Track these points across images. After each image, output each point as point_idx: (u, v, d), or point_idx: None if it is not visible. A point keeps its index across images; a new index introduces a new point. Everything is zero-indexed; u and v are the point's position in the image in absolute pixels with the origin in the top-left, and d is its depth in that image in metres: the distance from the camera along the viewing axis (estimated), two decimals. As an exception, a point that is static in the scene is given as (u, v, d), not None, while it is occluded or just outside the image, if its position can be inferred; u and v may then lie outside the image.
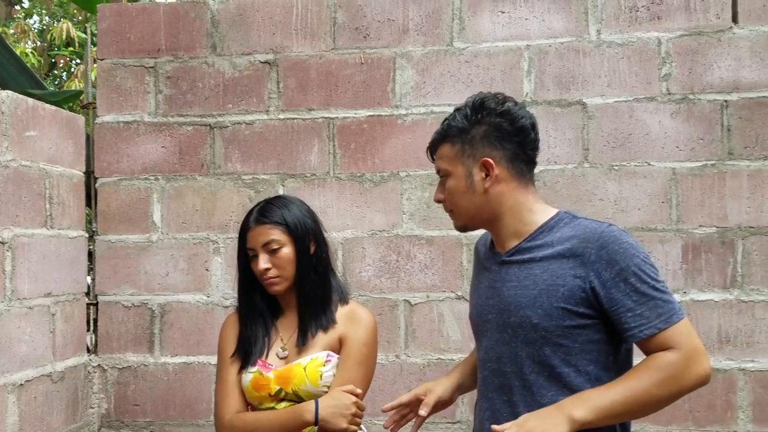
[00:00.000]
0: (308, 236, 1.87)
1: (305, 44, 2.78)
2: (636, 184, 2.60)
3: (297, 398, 1.82)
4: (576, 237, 1.49)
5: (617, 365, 1.51)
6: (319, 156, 2.74)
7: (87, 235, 2.81)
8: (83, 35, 12.45)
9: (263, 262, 1.83)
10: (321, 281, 1.88)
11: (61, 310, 2.57)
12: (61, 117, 2.66)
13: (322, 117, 2.75)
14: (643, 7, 2.63)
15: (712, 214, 2.56)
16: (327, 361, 1.82)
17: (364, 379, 1.84)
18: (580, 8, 2.66)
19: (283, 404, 1.82)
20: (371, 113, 2.73)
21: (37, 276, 2.42)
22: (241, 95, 2.80)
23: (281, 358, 1.86)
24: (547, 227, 1.55)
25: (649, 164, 2.60)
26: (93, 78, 3.30)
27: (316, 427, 1.77)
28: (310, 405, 1.77)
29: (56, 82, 13.30)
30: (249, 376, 1.84)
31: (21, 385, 2.31)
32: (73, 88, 11.16)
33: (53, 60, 13.18)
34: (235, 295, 2.65)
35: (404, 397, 1.76)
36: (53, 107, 2.66)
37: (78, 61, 13.14)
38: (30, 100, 2.47)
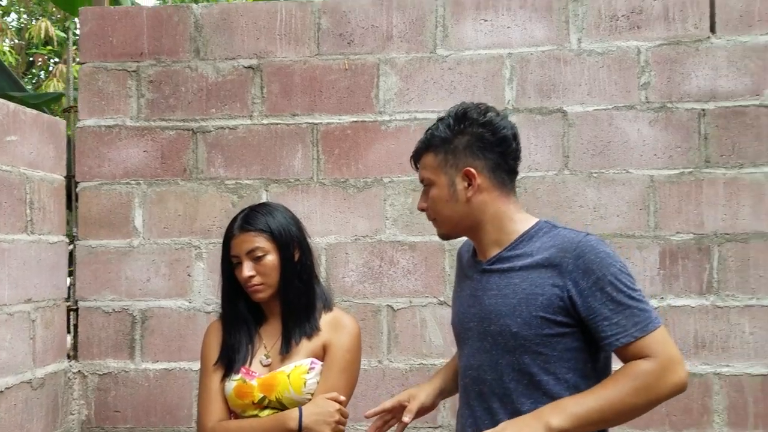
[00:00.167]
0: (292, 243, 1.88)
1: (289, 50, 2.79)
2: (615, 191, 2.64)
3: (280, 406, 1.82)
4: (554, 247, 1.52)
5: (596, 373, 1.53)
6: (303, 161, 2.75)
7: (68, 241, 2.79)
8: (62, 34, 12.32)
9: (247, 269, 1.84)
10: (305, 288, 1.89)
11: (42, 316, 2.56)
12: (42, 121, 2.64)
13: (305, 122, 2.76)
14: (623, 16, 2.67)
15: (689, 221, 2.60)
16: (311, 369, 1.83)
17: (347, 386, 1.85)
18: (561, 17, 2.69)
19: (267, 412, 1.83)
20: (355, 119, 2.74)
21: (17, 282, 2.41)
22: (224, 100, 2.79)
23: (265, 366, 1.87)
24: (527, 236, 1.58)
25: (627, 172, 2.64)
26: (70, 74, 3.28)
27: (300, 435, 1.78)
28: (293, 413, 1.78)
29: (34, 81, 13.14)
30: (232, 383, 1.85)
31: (1, 392, 2.30)
32: (51, 88, 11.04)
33: (31, 59, 13.02)
34: (218, 301, 2.66)
35: (387, 403, 1.77)
36: (34, 111, 2.64)
37: (56, 59, 13.00)
38: (11, 105, 2.45)
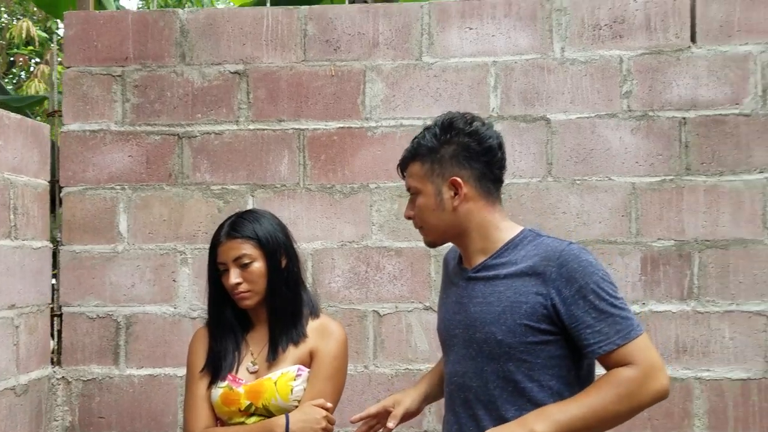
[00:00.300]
0: (279, 251, 1.88)
1: (275, 55, 2.80)
2: (597, 198, 2.67)
3: (267, 413, 1.83)
4: (538, 255, 1.54)
5: (579, 380, 1.56)
6: (289, 167, 2.76)
7: (51, 246, 2.77)
8: (43, 34, 12.21)
9: (234, 276, 1.84)
10: (292, 295, 1.90)
11: (25, 322, 2.54)
12: (26, 126, 2.62)
13: (292, 128, 2.77)
14: (605, 26, 2.71)
15: (670, 228, 2.64)
16: (298, 376, 1.84)
17: (334, 393, 1.87)
18: (544, 26, 2.72)
19: (253, 419, 1.83)
20: (341, 125, 2.76)
21: (0, 288, 2.39)
22: (210, 105, 2.79)
23: (251, 373, 1.87)
24: (511, 245, 1.60)
25: (610, 179, 2.68)
26: (54, 78, 3.25)
27: (287, 442, 1.78)
28: (280, 420, 1.79)
29: (15, 81, 13.00)
30: (219, 390, 1.85)
31: (-16, 399, 2.28)
32: (33, 89, 10.93)
33: (12, 59, 12.89)
34: (203, 307, 2.66)
35: (372, 409, 1.79)
36: (18, 116, 2.62)
37: (38, 60, 12.87)
38: (-6, 110, 2.44)
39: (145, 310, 2.75)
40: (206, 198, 2.77)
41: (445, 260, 1.82)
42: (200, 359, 1.91)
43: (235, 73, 2.80)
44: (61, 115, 2.86)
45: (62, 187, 2.80)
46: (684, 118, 2.67)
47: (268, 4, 2.99)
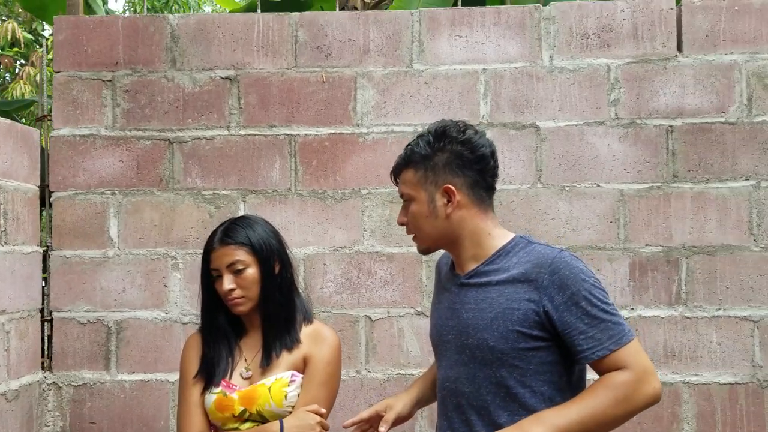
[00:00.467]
0: (273, 257, 1.89)
1: (266, 61, 2.81)
2: (586, 205, 2.70)
3: (261, 419, 1.83)
4: (530, 262, 1.56)
5: (571, 386, 1.58)
6: (281, 172, 2.77)
7: (42, 251, 2.76)
8: (29, 36, 12.12)
9: (228, 282, 1.85)
10: (285, 301, 1.90)
11: (16, 327, 2.53)
12: (16, 131, 2.62)
13: (283, 134, 2.78)
14: (593, 34, 2.74)
15: (658, 234, 2.68)
16: (291, 381, 1.85)
17: (328, 399, 1.87)
18: (533, 35, 2.76)
19: (247, 425, 1.84)
20: (333, 131, 2.77)
21: (-9, 293, 2.38)
22: (201, 110, 2.80)
23: (245, 379, 1.87)
24: (503, 252, 1.62)
25: (598, 185, 2.71)
26: (44, 82, 3.24)
27: (281, 447, 1.79)
28: (274, 425, 1.80)
29: (0, 83, 12.89)
30: (212, 396, 1.85)
31: (-26, 405, 2.27)
32: (18, 91, 10.85)
33: (-4, 61, 12.77)
34: (195, 312, 2.67)
35: (365, 413, 1.80)
36: (8, 121, 2.62)
37: (23, 61, 12.77)
38: (-15, 115, 2.43)
39: (136, 315, 2.75)
40: (197, 203, 2.77)
41: (437, 266, 1.84)
42: (193, 365, 1.91)
43: (226, 78, 2.80)
44: (50, 120, 2.85)
45: (52, 192, 2.80)
46: (671, 126, 2.71)
47: (259, 10, 3.00)
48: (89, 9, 4.31)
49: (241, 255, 1.85)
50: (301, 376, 1.87)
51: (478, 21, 2.77)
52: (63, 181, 2.79)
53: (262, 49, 2.81)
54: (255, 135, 2.78)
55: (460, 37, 2.77)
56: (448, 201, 1.61)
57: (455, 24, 2.77)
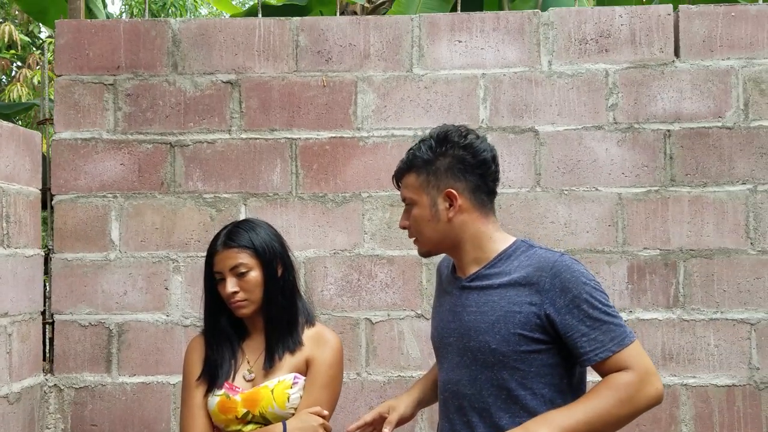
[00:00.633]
0: (276, 260, 1.91)
1: (267, 65, 2.82)
2: (584, 208, 2.73)
3: (264, 421, 1.85)
4: (531, 266, 1.58)
5: (571, 388, 1.60)
6: (282, 176, 2.78)
7: (43, 254, 2.78)
8: (26, 38, 12.12)
9: (231, 285, 1.86)
10: (288, 304, 1.92)
11: (18, 330, 2.54)
12: (18, 134, 2.63)
13: (284, 137, 2.80)
14: (591, 40, 2.77)
15: (656, 238, 2.70)
16: (294, 384, 1.87)
17: (330, 401, 1.89)
18: (532, 40, 2.78)
19: (250, 427, 1.85)
20: (333, 135, 2.79)
21: (-7, 296, 2.39)
22: (202, 114, 2.81)
23: (248, 381, 1.89)
24: (505, 255, 1.64)
25: (596, 189, 2.73)
26: (36, 82, 3.26)
27: (284, 449, 1.81)
28: (277, 428, 1.82)
29: (-4, 86, 12.88)
30: (215, 398, 1.87)
31: (-24, 407, 2.28)
32: (15, 93, 10.85)
33: (-7, 63, 12.75)
34: (196, 315, 2.69)
35: (368, 416, 1.81)
36: (10, 124, 2.63)
37: (20, 64, 12.77)
38: (-12, 118, 2.45)
39: (138, 318, 2.76)
40: (198, 206, 2.79)
41: (438, 269, 1.85)
42: (196, 368, 1.92)
43: (228, 82, 2.82)
44: (52, 123, 2.86)
45: (53, 195, 2.81)
46: (668, 131, 2.74)
47: (260, 15, 3.02)
48: (90, 13, 4.32)
49: (244, 258, 1.87)
50: (304, 378, 1.88)
51: (478, 26, 2.79)
52: (64, 185, 2.81)
53: (263, 54, 2.83)
54: (256, 139, 2.80)
55: (460, 42, 2.79)
56: (450, 205, 1.63)
57: (455, 29, 2.80)
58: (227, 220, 2.60)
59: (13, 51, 12.19)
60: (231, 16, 5.01)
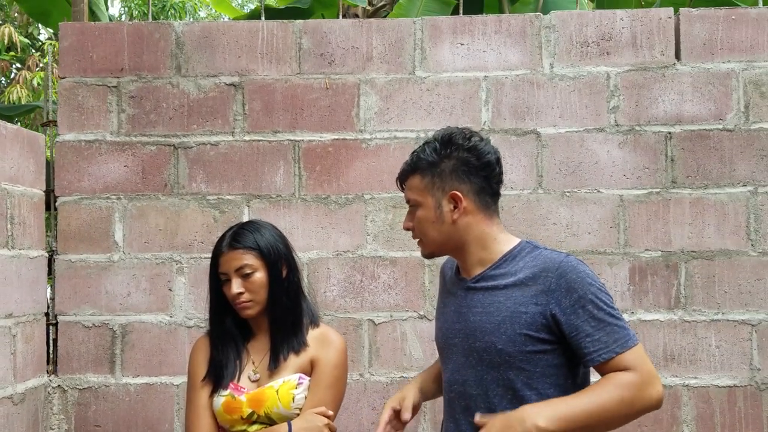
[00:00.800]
0: (280, 261, 1.92)
1: (271, 68, 2.84)
2: (586, 210, 2.74)
3: (269, 421, 1.86)
4: (537, 266, 1.59)
5: (576, 388, 1.60)
6: (285, 178, 2.80)
7: (47, 255, 2.79)
8: (25, 40, 12.12)
9: (236, 286, 1.87)
10: (293, 305, 1.93)
11: (22, 331, 2.55)
12: (22, 136, 2.64)
13: (287, 139, 2.81)
14: (593, 43, 2.79)
15: (657, 239, 2.72)
16: (299, 384, 1.87)
17: (335, 401, 1.90)
18: (534, 43, 2.80)
19: (255, 427, 1.86)
20: (336, 137, 2.80)
21: (-2, 297, 2.40)
22: (206, 116, 2.83)
23: (253, 381, 1.90)
24: (510, 256, 1.65)
25: (598, 191, 2.75)
26: (36, 84, 3.27)
27: (290, 449, 1.82)
28: (282, 428, 1.82)
29: (-4, 88, 12.88)
30: (221, 399, 1.88)
31: (-19, 408, 2.29)
32: (15, 95, 10.85)
33: (-7, 65, 12.75)
34: (199, 316, 2.70)
35: (385, 416, 1.77)
36: (14, 126, 2.64)
37: (19, 66, 12.77)
38: (-7, 120, 2.46)
39: (141, 319, 2.77)
40: (202, 208, 2.80)
41: (442, 270, 1.86)
42: (202, 368, 1.93)
43: (231, 85, 2.83)
44: (56, 125, 2.88)
45: (57, 197, 2.82)
46: (669, 133, 2.75)
47: (263, 18, 3.03)
48: (93, 15, 4.34)
49: (250, 259, 1.88)
50: (308, 378, 1.89)
51: (480, 29, 2.81)
52: (68, 186, 2.82)
53: (267, 56, 2.84)
54: (259, 141, 2.81)
55: (462, 44, 2.81)
56: (455, 207, 1.64)
57: (457, 32, 2.81)
58: (230, 222, 2.62)
59: (12, 53, 12.19)
60: (233, 19, 5.02)
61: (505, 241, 1.67)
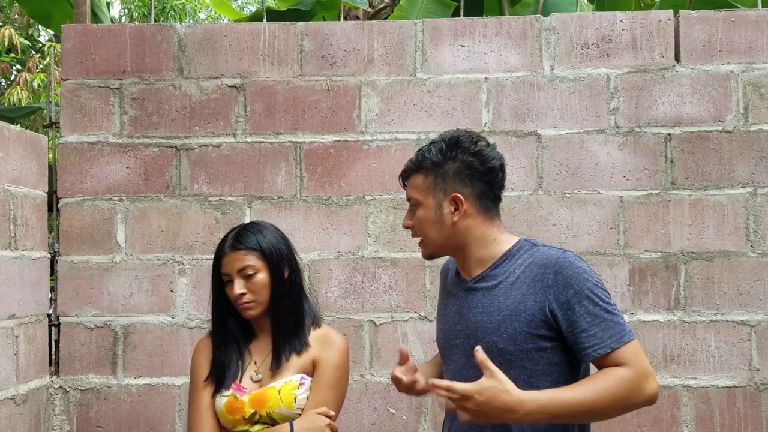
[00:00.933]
0: (283, 262, 1.93)
1: (272, 70, 2.85)
2: (586, 211, 2.75)
3: (271, 421, 1.87)
4: (535, 264, 1.60)
5: (575, 386, 1.62)
6: (286, 179, 2.81)
7: (49, 256, 2.80)
8: (25, 41, 12.14)
9: (238, 287, 1.88)
10: (295, 306, 1.94)
11: (24, 332, 2.56)
12: (25, 138, 2.65)
13: (289, 141, 2.82)
14: (593, 45, 2.80)
15: (657, 240, 2.73)
16: (301, 384, 1.88)
17: (336, 402, 1.91)
18: (534, 45, 2.81)
19: (257, 427, 1.87)
20: (337, 138, 2.82)
21: (1, 298, 2.41)
22: (208, 118, 2.84)
23: (255, 382, 1.91)
24: (509, 255, 1.66)
25: (598, 192, 2.76)
26: (36, 85, 3.28)
27: (292, 449, 1.83)
28: (284, 428, 1.83)
29: (-4, 89, 12.89)
30: (223, 399, 1.89)
31: (-16, 408, 2.30)
32: (15, 96, 10.87)
33: (-7, 67, 12.76)
34: (201, 317, 2.71)
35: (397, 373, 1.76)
36: (17, 128, 2.65)
37: (19, 67, 12.78)
38: (-4, 122, 2.47)
39: (143, 320, 2.78)
40: (204, 209, 2.81)
41: (442, 271, 1.87)
42: (204, 369, 1.94)
43: (233, 86, 2.85)
44: (58, 127, 2.89)
45: (60, 198, 2.83)
46: (669, 134, 2.76)
47: (265, 20, 3.05)
48: (95, 17, 4.35)
49: (252, 260, 1.89)
50: (310, 379, 1.90)
51: (480, 31, 2.82)
52: (71, 188, 2.83)
53: (268, 58, 2.85)
54: (261, 142, 2.82)
55: (463, 46, 2.82)
56: (456, 209, 1.65)
57: (458, 34, 2.82)
58: (232, 223, 2.63)
59: (12, 54, 12.21)
60: (235, 21, 5.04)
61: (504, 241, 1.68)
